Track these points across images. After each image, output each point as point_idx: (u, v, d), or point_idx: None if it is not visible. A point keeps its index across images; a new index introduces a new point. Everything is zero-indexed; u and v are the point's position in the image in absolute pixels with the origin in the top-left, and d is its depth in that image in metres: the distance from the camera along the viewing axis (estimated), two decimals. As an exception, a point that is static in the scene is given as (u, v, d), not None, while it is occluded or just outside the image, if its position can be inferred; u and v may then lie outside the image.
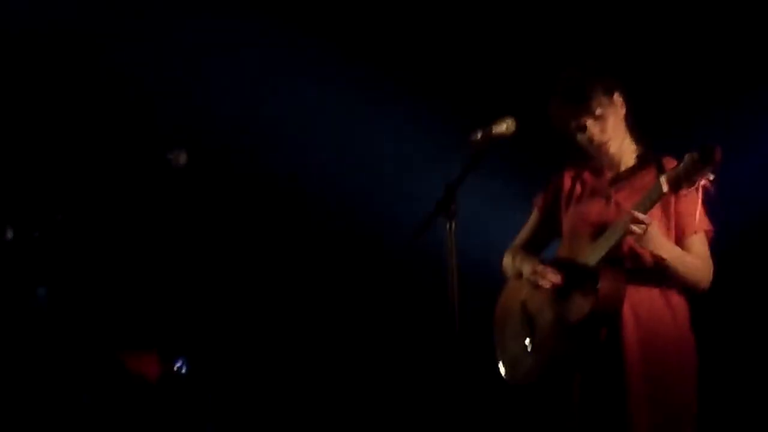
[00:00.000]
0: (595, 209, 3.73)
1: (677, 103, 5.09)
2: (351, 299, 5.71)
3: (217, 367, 4.95)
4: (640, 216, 3.44)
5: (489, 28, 5.48)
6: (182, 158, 4.08)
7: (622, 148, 3.76)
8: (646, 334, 3.59)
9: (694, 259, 3.62)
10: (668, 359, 3.61)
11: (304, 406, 5.69)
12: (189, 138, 4.68)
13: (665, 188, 3.40)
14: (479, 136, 3.52)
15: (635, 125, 3.79)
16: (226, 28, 5.65)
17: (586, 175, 3.85)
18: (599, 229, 3.64)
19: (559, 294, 3.69)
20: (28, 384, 4.62)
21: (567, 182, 3.88)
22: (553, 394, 3.72)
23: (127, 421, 4.61)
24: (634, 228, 3.45)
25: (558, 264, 3.74)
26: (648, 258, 3.60)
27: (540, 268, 3.73)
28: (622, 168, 3.78)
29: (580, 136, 3.74)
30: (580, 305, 3.60)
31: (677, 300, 3.68)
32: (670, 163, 3.58)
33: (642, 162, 3.74)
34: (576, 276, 3.65)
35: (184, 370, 4.52)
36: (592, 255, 3.61)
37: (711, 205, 3.52)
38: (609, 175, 3.79)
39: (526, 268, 3.80)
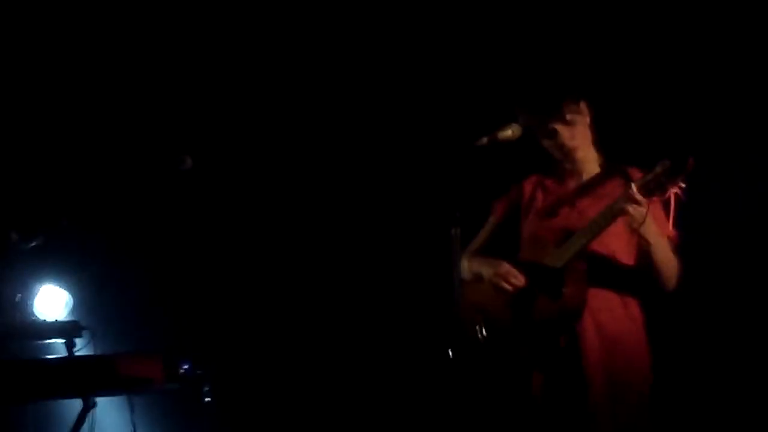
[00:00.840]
0: (559, 216, 3.76)
1: (637, 112, 5.13)
2: (356, 304, 5.72)
3: (223, 370, 4.95)
4: (638, 197, 3.46)
5: (495, 32, 5.49)
6: (188, 162, 4.10)
7: (588, 156, 3.80)
8: (607, 341, 3.63)
9: (670, 253, 3.65)
10: (628, 366, 3.64)
11: (310, 408, 5.71)
12: (194, 141, 4.70)
13: (636, 195, 3.43)
14: (485, 141, 3.55)
15: (598, 133, 3.82)
16: (228, 28, 5.66)
17: (549, 183, 3.87)
18: (562, 235, 3.67)
19: (521, 297, 3.70)
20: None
21: (528, 190, 3.92)
22: (513, 398, 3.73)
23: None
24: (632, 208, 3.47)
25: (520, 266, 3.75)
26: (613, 260, 3.65)
27: (503, 270, 3.74)
28: (585, 176, 3.81)
29: (547, 142, 3.76)
30: (543, 308, 3.63)
31: (635, 307, 3.73)
32: (634, 172, 3.65)
33: (607, 171, 3.78)
34: (539, 279, 3.67)
35: (189, 373, 4.52)
36: (559, 258, 3.63)
37: (684, 211, 3.54)
38: (572, 182, 3.82)
39: (487, 270, 3.80)
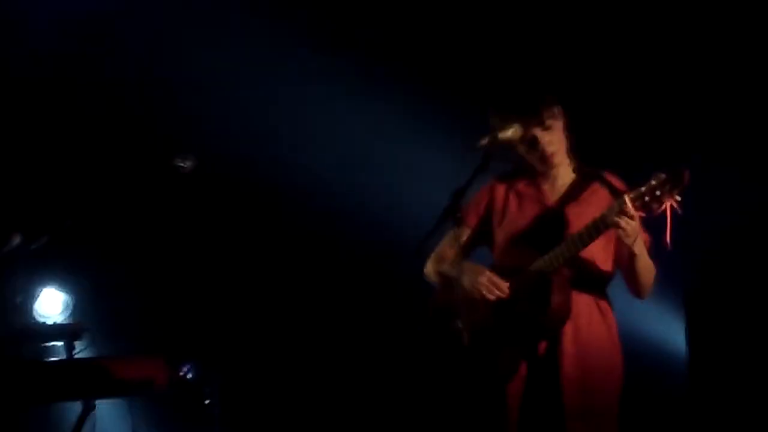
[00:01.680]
0: (540, 221, 3.71)
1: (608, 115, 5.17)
2: (356, 304, 5.73)
3: (224, 372, 4.95)
4: (631, 211, 3.42)
5: (495, 31, 5.52)
6: (190, 163, 4.10)
7: (563, 161, 3.76)
8: (582, 348, 3.60)
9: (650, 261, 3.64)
10: (601, 370, 3.62)
11: (311, 408, 5.71)
12: (196, 143, 4.70)
13: (629, 206, 3.38)
14: (486, 141, 3.55)
15: (571, 138, 3.79)
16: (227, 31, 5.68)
17: (521, 187, 3.81)
18: (541, 239, 3.63)
19: (504, 303, 3.65)
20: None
21: (500, 193, 3.84)
22: (490, 403, 3.67)
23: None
24: (624, 222, 3.43)
25: (501, 272, 3.69)
26: (593, 266, 3.62)
27: (485, 279, 3.65)
28: (559, 180, 3.77)
29: (524, 148, 3.71)
30: (528, 315, 3.59)
31: (609, 310, 3.70)
32: (611, 177, 3.64)
33: (583, 175, 3.75)
34: (523, 286, 3.62)
35: (190, 376, 4.52)
36: (546, 265, 3.58)
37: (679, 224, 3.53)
38: (546, 187, 3.77)
39: (467, 278, 3.69)
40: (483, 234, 3.84)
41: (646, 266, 3.61)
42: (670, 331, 5.27)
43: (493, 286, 3.63)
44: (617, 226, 3.42)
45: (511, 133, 3.58)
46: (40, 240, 4.18)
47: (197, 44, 5.61)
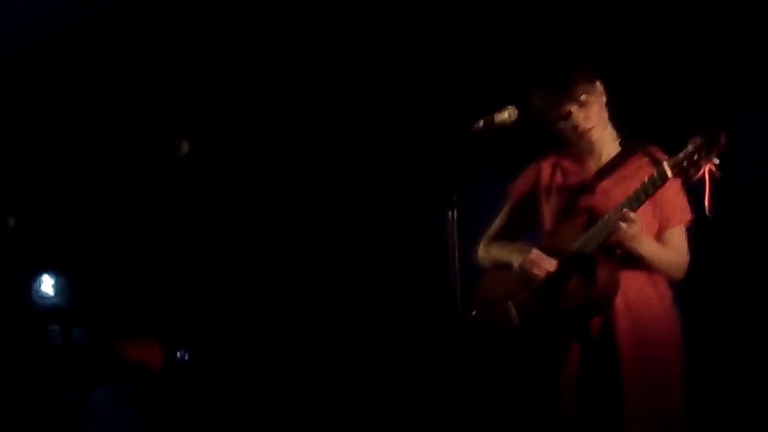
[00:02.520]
0: (581, 197, 3.71)
1: (654, 93, 5.10)
2: (352, 289, 5.72)
3: (219, 358, 4.95)
4: (631, 215, 3.45)
5: (489, 19, 5.47)
6: (184, 147, 4.08)
7: (605, 136, 3.74)
8: (637, 323, 3.59)
9: (670, 253, 3.64)
10: (658, 345, 3.61)
11: (306, 398, 5.71)
12: (191, 127, 4.69)
13: (670, 174, 3.39)
14: (481, 124, 3.52)
15: (616, 113, 3.77)
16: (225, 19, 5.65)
17: (567, 164, 3.81)
18: (586, 217, 3.64)
19: (551, 283, 3.66)
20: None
21: (546, 171, 3.85)
22: (544, 385, 3.67)
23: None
24: (624, 226, 3.45)
25: (547, 251, 3.69)
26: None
27: (534, 255, 3.67)
28: (604, 156, 3.76)
29: (562, 124, 3.70)
30: (577, 293, 3.59)
31: (663, 285, 3.69)
32: (655, 150, 3.60)
33: (627, 149, 3.73)
34: (569, 264, 3.62)
35: (185, 359, 4.52)
36: (585, 245, 3.59)
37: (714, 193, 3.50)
38: (591, 162, 3.77)
39: (517, 257, 3.73)
40: (531, 214, 3.85)
41: (661, 262, 3.60)
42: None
43: (542, 262, 3.64)
44: (618, 230, 3.45)
45: (506, 115, 3.54)
46: (35, 224, 4.18)
47: (191, 33, 5.59)
